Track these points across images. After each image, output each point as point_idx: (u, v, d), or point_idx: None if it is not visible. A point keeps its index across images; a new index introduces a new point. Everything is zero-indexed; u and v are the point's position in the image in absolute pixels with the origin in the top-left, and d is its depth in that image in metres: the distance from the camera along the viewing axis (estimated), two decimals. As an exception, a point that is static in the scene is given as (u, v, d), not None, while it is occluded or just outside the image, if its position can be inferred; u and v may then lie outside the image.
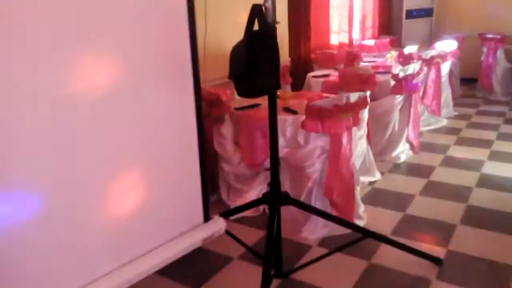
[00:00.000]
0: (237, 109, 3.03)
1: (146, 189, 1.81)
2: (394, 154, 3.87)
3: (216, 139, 2.90)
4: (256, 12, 1.74)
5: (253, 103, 3.11)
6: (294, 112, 2.91)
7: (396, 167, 3.76)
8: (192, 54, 1.87)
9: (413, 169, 3.72)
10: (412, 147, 3.94)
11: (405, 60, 4.24)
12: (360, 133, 3.37)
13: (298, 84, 4.52)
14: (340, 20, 5.65)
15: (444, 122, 4.97)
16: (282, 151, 2.77)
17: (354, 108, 2.60)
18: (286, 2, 4.58)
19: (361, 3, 6.24)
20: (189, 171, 2.00)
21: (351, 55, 4.99)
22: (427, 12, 7.13)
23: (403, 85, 3.66)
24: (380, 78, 4.06)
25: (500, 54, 5.99)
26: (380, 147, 3.89)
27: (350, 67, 3.76)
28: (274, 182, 2.12)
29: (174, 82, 1.86)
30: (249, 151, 2.88)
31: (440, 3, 7.16)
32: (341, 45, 5.63)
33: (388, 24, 7.12)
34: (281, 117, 2.75)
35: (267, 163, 2.87)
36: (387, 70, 4.60)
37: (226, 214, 2.33)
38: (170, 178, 1.92)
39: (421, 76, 4.23)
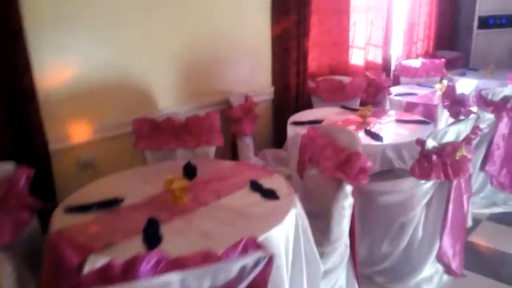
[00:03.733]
0: (70, 210, 1.49)
1: None
2: (413, 282, 2.12)
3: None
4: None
5: (115, 196, 1.58)
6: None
7: (411, 313, 2.01)
8: None
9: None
10: (448, 269, 2.16)
11: (453, 105, 2.45)
12: (328, 265, 1.70)
13: (281, 132, 2.84)
14: (369, 29, 3.83)
15: (519, 203, 3.06)
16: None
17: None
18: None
19: (409, 5, 4.38)
20: None
21: (373, 84, 3.25)
22: (511, 21, 5.03)
23: (434, 164, 1.90)
24: (412, 129, 2.33)
25: None
26: (389, 265, 2.16)
27: (323, 127, 2.05)
28: None
29: None
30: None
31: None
32: (367, 66, 3.83)
33: (451, 35, 5.12)
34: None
35: None
36: (428, 117, 2.80)
37: None
38: None
39: (474, 143, 2.40)
